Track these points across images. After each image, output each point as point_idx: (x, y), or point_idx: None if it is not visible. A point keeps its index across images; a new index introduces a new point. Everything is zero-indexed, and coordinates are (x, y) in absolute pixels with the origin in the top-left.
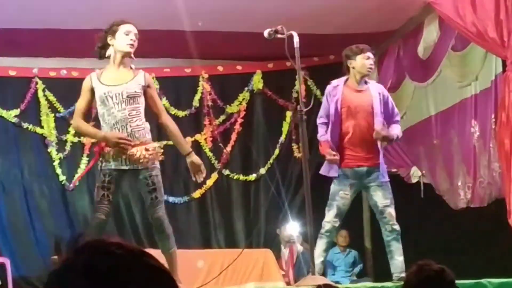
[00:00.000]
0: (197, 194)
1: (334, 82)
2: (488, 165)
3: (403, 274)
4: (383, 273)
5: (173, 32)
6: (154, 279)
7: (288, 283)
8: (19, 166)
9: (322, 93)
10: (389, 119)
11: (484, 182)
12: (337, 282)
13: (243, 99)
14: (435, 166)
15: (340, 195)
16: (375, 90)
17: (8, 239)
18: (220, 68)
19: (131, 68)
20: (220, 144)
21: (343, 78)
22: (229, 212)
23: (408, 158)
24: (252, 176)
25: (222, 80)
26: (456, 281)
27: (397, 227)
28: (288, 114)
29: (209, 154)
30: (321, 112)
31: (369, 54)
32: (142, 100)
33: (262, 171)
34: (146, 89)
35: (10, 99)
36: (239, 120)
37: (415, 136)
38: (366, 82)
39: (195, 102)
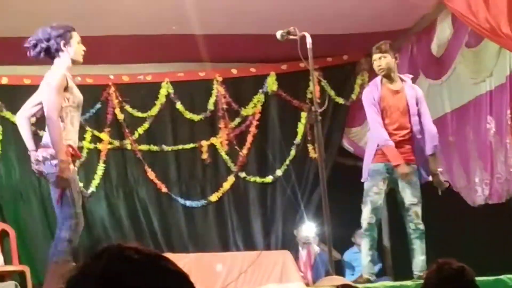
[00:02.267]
0: (214, 197)
1: (372, 82)
2: (505, 161)
3: (423, 273)
4: (402, 272)
5: (186, 36)
6: (172, 283)
7: (307, 284)
8: (36, 174)
9: (337, 94)
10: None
11: (501, 178)
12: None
13: (257, 101)
14: (452, 163)
15: (374, 190)
16: (410, 90)
17: (27, 247)
18: (234, 71)
19: None
20: (236, 147)
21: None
22: (247, 215)
23: (424, 155)
24: (269, 178)
25: (236, 83)
26: (476, 278)
27: (421, 226)
28: (303, 115)
29: (225, 157)
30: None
31: (375, 55)
32: None
33: (279, 172)
34: None
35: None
36: (254, 123)
37: None
38: (402, 80)
39: (210, 106)
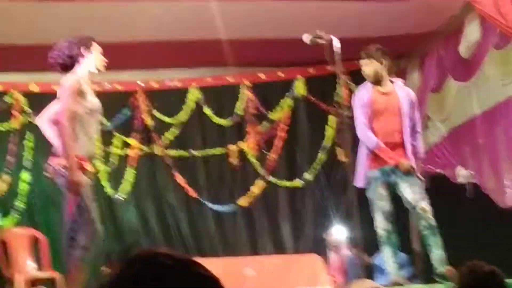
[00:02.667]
0: (243, 201)
1: (362, 85)
2: None
3: (442, 268)
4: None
5: (213, 42)
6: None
7: None
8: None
9: None
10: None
11: None
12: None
13: (285, 105)
14: (481, 166)
15: (377, 197)
16: (402, 92)
17: (58, 254)
18: (262, 75)
19: None
20: (264, 151)
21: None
22: (276, 218)
23: (453, 158)
24: (298, 182)
25: (264, 87)
26: (507, 280)
27: (432, 221)
28: (331, 118)
29: (254, 161)
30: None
31: (362, 60)
32: None
33: (307, 176)
34: None
35: None
36: (283, 127)
37: (460, 136)
38: (392, 82)
39: (238, 110)
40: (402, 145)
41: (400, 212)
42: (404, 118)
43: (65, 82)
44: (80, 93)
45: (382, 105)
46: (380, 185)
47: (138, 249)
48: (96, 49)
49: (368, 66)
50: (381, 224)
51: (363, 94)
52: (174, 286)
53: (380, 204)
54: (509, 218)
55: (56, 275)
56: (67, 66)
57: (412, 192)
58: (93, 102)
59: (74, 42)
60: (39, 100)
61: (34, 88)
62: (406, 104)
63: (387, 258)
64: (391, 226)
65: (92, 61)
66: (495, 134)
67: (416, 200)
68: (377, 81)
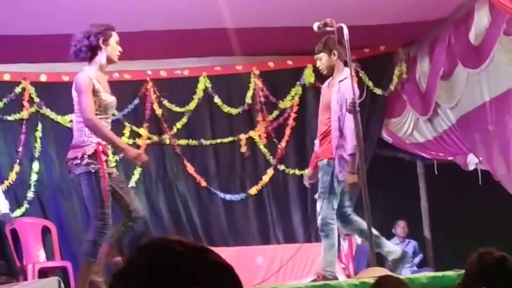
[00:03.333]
0: (253, 190)
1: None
2: None
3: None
4: (444, 263)
5: (222, 30)
6: (218, 275)
7: (348, 276)
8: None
9: (375, 85)
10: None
11: None
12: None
13: (295, 93)
14: (492, 153)
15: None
16: (338, 87)
17: (69, 243)
18: (271, 64)
19: None
20: (275, 140)
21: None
22: (286, 207)
23: (464, 145)
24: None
25: (274, 76)
26: None
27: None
28: None
29: (264, 150)
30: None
31: (316, 56)
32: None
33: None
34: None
35: (64, 105)
36: (292, 115)
37: (470, 123)
38: (340, 81)
39: (248, 99)
40: (329, 139)
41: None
42: (333, 113)
43: (77, 83)
44: (92, 91)
45: (323, 99)
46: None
47: (149, 238)
48: (113, 40)
49: (318, 62)
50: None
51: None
52: (188, 273)
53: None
54: None
55: (67, 264)
56: (85, 57)
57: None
58: (105, 99)
59: (94, 33)
60: (48, 90)
61: (44, 78)
62: (337, 99)
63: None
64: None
65: (109, 52)
66: (505, 121)
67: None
68: (333, 74)
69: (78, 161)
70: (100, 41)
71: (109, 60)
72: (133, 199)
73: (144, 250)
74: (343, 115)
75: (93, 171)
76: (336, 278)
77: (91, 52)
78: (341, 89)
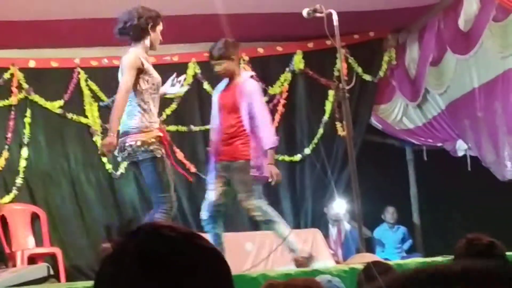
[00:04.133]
0: None
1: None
2: None
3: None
4: (433, 249)
5: (211, 16)
6: (208, 259)
7: (337, 262)
8: (65, 157)
9: (364, 71)
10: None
11: None
12: (386, 259)
13: (284, 80)
14: (481, 139)
15: (211, 187)
16: (242, 87)
17: (58, 229)
18: (261, 50)
19: None
20: None
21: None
22: (276, 193)
23: (453, 131)
24: (297, 157)
25: (263, 62)
26: (506, 252)
27: (260, 217)
28: (331, 93)
29: None
30: None
31: (212, 61)
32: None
33: (307, 151)
34: None
35: (53, 90)
36: (282, 101)
37: (459, 109)
38: (242, 82)
39: None
40: (235, 139)
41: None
42: (243, 112)
43: (124, 59)
44: (143, 71)
45: (225, 100)
46: (218, 176)
47: (139, 224)
48: (159, 28)
49: (218, 67)
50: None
51: (218, 88)
52: (179, 257)
53: (210, 193)
54: (508, 191)
55: (56, 250)
56: (129, 36)
57: (241, 191)
58: (156, 77)
59: (145, 16)
60: (37, 76)
61: (32, 64)
62: (244, 98)
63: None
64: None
65: (153, 38)
66: (493, 107)
67: (240, 200)
68: (232, 77)
69: (144, 147)
70: (149, 25)
71: (151, 46)
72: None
73: (134, 235)
74: (255, 113)
75: (158, 156)
76: (311, 255)
77: (135, 33)
78: (246, 89)
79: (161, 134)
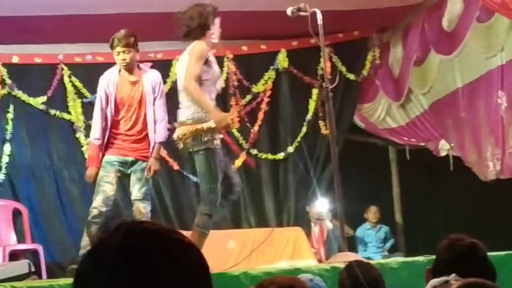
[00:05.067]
0: None
1: (108, 72)
2: None
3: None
4: (415, 248)
5: None
6: (187, 253)
7: (319, 261)
8: (48, 153)
9: (348, 70)
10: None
11: None
12: (368, 258)
13: (268, 78)
14: (463, 139)
15: (105, 180)
16: (148, 81)
17: (40, 226)
18: (245, 48)
19: None
20: (247, 124)
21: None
22: (259, 192)
23: (436, 131)
24: (280, 155)
25: (247, 60)
26: (488, 253)
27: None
28: (314, 91)
29: (237, 134)
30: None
31: (119, 48)
32: None
33: (290, 149)
34: None
35: (36, 86)
36: (266, 100)
37: (442, 109)
38: (140, 68)
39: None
40: (146, 138)
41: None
42: (148, 108)
43: (192, 48)
44: (206, 61)
45: (128, 95)
46: (112, 171)
47: (120, 220)
48: (217, 20)
49: (126, 54)
50: (97, 205)
51: (109, 83)
52: (159, 250)
53: (106, 187)
54: (490, 191)
55: (37, 247)
56: (194, 33)
57: (138, 190)
58: (217, 70)
59: (205, 13)
60: (20, 72)
61: (16, 60)
62: (150, 92)
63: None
64: (105, 209)
65: (214, 32)
66: (476, 108)
67: (136, 199)
68: (130, 69)
69: (198, 138)
70: (208, 21)
71: (212, 39)
72: (234, 173)
73: (116, 230)
74: (155, 106)
75: (211, 147)
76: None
77: (198, 32)
78: (147, 82)
79: (213, 125)
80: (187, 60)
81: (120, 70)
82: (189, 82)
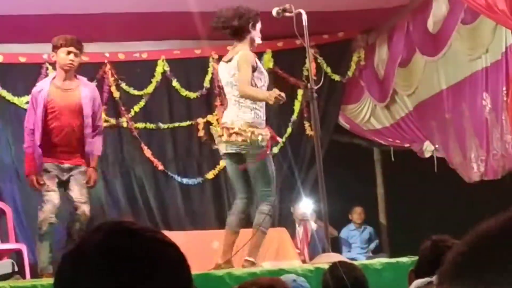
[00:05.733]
0: (210, 175)
1: (43, 80)
2: (500, 137)
3: None
4: (399, 249)
5: (181, 14)
6: (168, 254)
7: (303, 261)
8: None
9: (333, 71)
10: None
11: (497, 154)
12: (352, 259)
13: None
14: (448, 140)
15: (47, 189)
16: (84, 88)
17: (23, 226)
18: (230, 48)
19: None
20: None
21: (51, 76)
22: None
23: (420, 132)
24: None
25: None
26: None
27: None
28: (299, 92)
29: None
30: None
31: (70, 48)
32: None
33: (275, 150)
34: None
35: (21, 86)
36: None
37: (427, 110)
38: (76, 77)
39: (206, 83)
40: (81, 146)
41: (365, 187)
42: (85, 118)
43: (243, 55)
44: (255, 68)
45: (62, 103)
46: (51, 178)
47: (103, 221)
48: (259, 25)
49: (76, 57)
50: (48, 217)
51: (42, 89)
52: (140, 251)
53: (51, 197)
54: (475, 192)
55: (21, 246)
56: (235, 38)
57: (79, 192)
58: (266, 75)
59: (245, 17)
60: (5, 71)
61: (0, 59)
62: (88, 102)
63: (47, 253)
64: (54, 221)
65: (253, 36)
66: (461, 109)
67: (79, 202)
68: (70, 74)
69: (258, 142)
70: (250, 25)
71: (252, 43)
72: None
73: (96, 230)
74: (96, 119)
75: (268, 152)
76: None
77: (238, 34)
78: (86, 95)
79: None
80: (235, 66)
81: (53, 78)
82: (245, 87)
